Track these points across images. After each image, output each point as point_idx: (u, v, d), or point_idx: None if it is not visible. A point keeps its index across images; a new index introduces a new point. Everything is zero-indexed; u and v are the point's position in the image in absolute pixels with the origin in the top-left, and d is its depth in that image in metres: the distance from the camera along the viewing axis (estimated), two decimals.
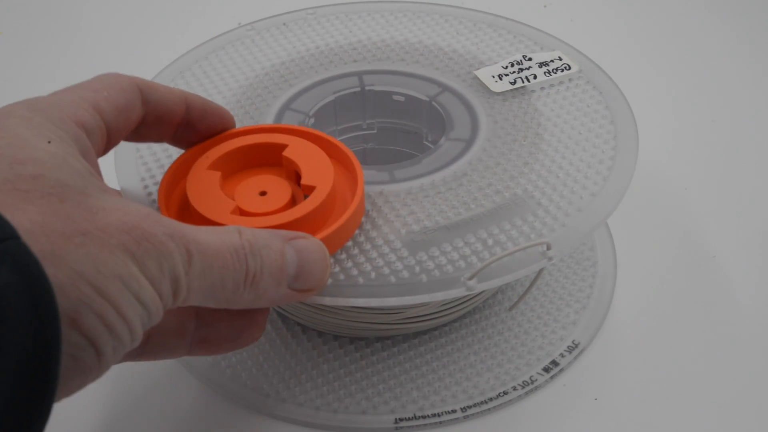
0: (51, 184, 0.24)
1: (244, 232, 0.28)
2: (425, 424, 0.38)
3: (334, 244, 0.33)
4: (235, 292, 0.28)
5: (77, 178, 0.25)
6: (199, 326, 0.32)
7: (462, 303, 0.40)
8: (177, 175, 0.35)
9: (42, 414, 0.21)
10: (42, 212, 0.23)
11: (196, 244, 0.26)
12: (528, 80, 0.43)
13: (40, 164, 0.24)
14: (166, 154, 0.39)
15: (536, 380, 0.39)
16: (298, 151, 0.35)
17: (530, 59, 0.45)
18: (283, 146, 0.36)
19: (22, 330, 0.20)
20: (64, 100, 0.28)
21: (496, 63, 0.45)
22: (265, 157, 0.36)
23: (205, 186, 0.34)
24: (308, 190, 0.34)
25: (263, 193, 0.34)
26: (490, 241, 0.35)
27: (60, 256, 0.22)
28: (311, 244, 0.30)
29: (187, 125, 0.34)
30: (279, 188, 0.34)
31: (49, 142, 0.26)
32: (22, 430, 0.20)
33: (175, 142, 0.35)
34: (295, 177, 0.35)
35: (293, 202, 0.34)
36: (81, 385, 0.23)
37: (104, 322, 0.23)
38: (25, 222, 0.23)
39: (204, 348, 0.33)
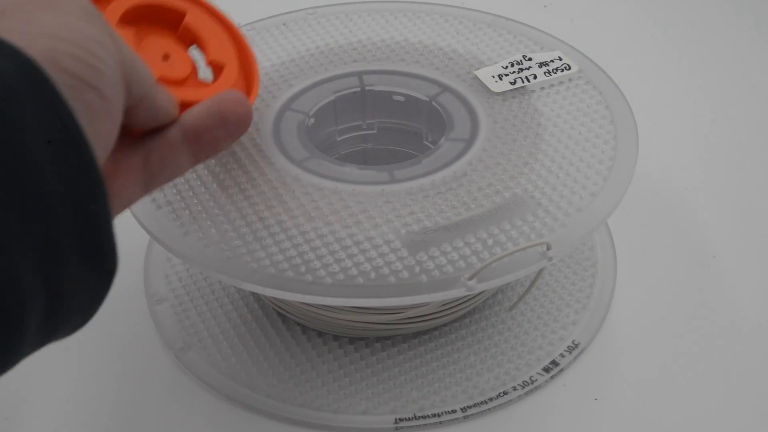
0: None
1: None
2: (425, 424, 0.38)
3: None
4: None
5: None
6: None
7: (462, 303, 0.40)
8: None
9: (95, 180, 0.22)
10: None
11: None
12: (528, 80, 0.43)
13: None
14: None
15: (536, 380, 0.39)
16: (198, 23, 0.35)
17: (530, 59, 0.45)
18: (183, 14, 0.35)
19: (30, 103, 0.21)
20: None
21: (496, 63, 0.45)
22: (163, 19, 0.35)
23: None
24: (217, 67, 0.34)
25: (166, 57, 0.34)
26: (490, 242, 0.35)
27: (26, 22, 0.23)
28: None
29: None
30: (180, 55, 0.34)
31: None
32: (86, 197, 0.22)
33: None
34: (188, 45, 0.35)
35: (194, 71, 0.34)
36: (110, 131, 0.25)
37: (78, 59, 0.24)
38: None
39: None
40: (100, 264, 0.23)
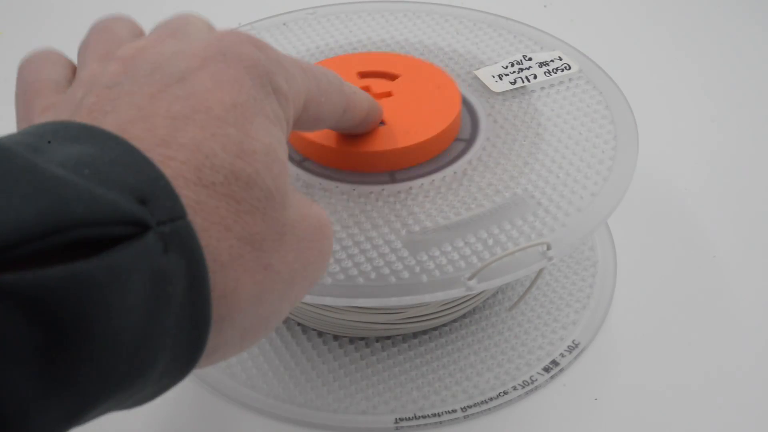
0: (259, 196, 0.23)
1: None
2: (425, 424, 0.38)
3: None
4: None
5: (280, 181, 0.24)
6: None
7: (462, 303, 0.40)
8: None
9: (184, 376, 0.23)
10: (242, 236, 0.23)
11: None
12: (528, 80, 0.43)
13: (255, 163, 0.23)
14: None
15: (536, 380, 0.39)
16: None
17: (530, 59, 0.45)
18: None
19: (181, 312, 0.21)
20: (297, 78, 0.27)
21: (496, 63, 0.45)
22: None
23: None
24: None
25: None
26: (490, 241, 0.35)
27: (239, 294, 0.23)
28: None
29: None
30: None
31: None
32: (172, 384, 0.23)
33: None
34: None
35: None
36: (219, 359, 0.25)
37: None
38: (224, 251, 0.22)
39: None
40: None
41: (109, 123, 0.23)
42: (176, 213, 0.21)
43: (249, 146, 0.23)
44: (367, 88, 0.39)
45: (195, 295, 0.21)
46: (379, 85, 0.40)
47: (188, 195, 0.22)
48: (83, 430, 0.37)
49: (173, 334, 0.21)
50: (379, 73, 0.41)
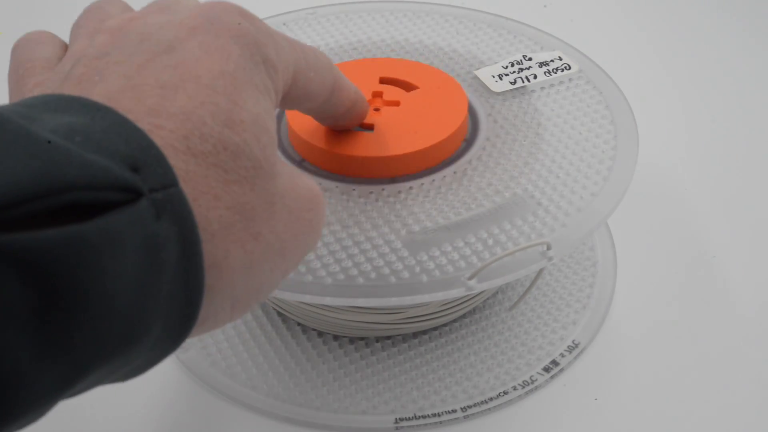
0: (247, 166, 0.23)
1: None
2: (425, 424, 0.38)
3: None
4: None
5: (269, 151, 0.24)
6: None
7: (462, 303, 0.40)
8: None
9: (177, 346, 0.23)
10: (231, 206, 0.23)
11: None
12: (528, 80, 0.43)
13: (243, 133, 0.23)
14: None
15: (536, 380, 0.39)
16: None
17: (530, 59, 0.45)
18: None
19: (174, 279, 0.21)
20: (286, 49, 0.27)
21: (496, 63, 0.45)
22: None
23: None
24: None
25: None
26: (490, 241, 0.35)
27: (229, 262, 0.23)
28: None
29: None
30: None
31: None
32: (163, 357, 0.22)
33: None
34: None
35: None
36: (209, 328, 0.25)
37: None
38: (213, 221, 0.22)
39: None
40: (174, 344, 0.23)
41: (98, 93, 0.23)
42: (168, 181, 0.21)
43: (237, 116, 0.23)
44: (379, 94, 0.39)
45: (187, 261, 0.21)
46: (392, 93, 0.40)
47: (177, 164, 0.22)
48: (85, 430, 0.38)
49: (167, 301, 0.21)
50: (397, 81, 0.41)
